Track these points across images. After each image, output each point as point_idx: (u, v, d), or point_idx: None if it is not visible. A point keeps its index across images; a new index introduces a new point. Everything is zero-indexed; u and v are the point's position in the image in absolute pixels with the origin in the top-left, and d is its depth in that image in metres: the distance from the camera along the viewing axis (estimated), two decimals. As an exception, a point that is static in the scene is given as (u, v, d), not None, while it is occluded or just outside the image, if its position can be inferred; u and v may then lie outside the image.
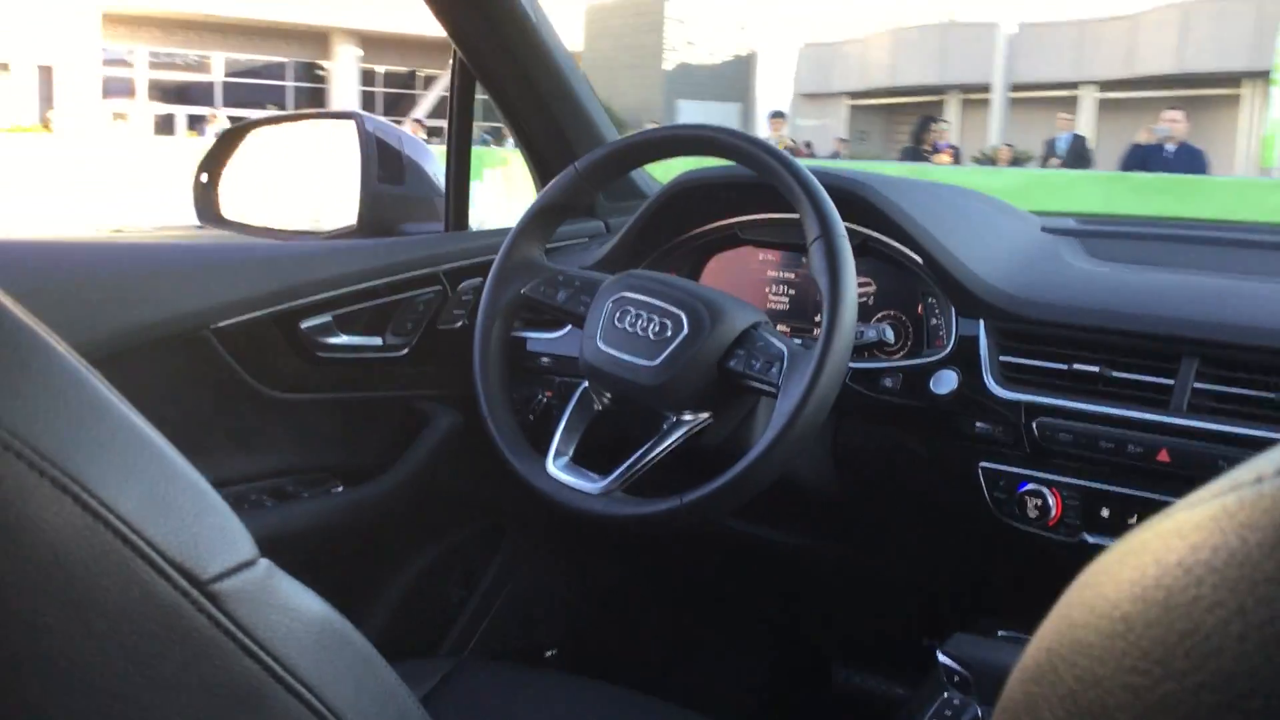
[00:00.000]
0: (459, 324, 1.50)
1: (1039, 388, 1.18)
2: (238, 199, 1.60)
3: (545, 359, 1.48)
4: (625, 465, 1.14)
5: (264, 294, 1.32)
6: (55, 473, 0.40)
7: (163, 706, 0.44)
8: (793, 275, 1.44)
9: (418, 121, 17.65)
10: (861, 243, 1.31)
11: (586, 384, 1.25)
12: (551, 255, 1.49)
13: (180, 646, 0.44)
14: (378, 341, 1.44)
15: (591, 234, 1.60)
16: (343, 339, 1.40)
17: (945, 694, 1.03)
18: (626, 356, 1.16)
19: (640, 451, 1.15)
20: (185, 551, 0.44)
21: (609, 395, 1.24)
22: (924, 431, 1.26)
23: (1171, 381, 1.11)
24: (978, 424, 1.20)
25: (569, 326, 1.46)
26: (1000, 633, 1.16)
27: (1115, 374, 1.14)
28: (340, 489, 1.42)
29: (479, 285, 1.49)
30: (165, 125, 20.41)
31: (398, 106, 23.26)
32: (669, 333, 1.14)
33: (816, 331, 1.40)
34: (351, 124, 1.55)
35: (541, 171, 1.57)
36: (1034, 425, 1.16)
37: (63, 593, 0.40)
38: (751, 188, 1.37)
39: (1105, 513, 1.13)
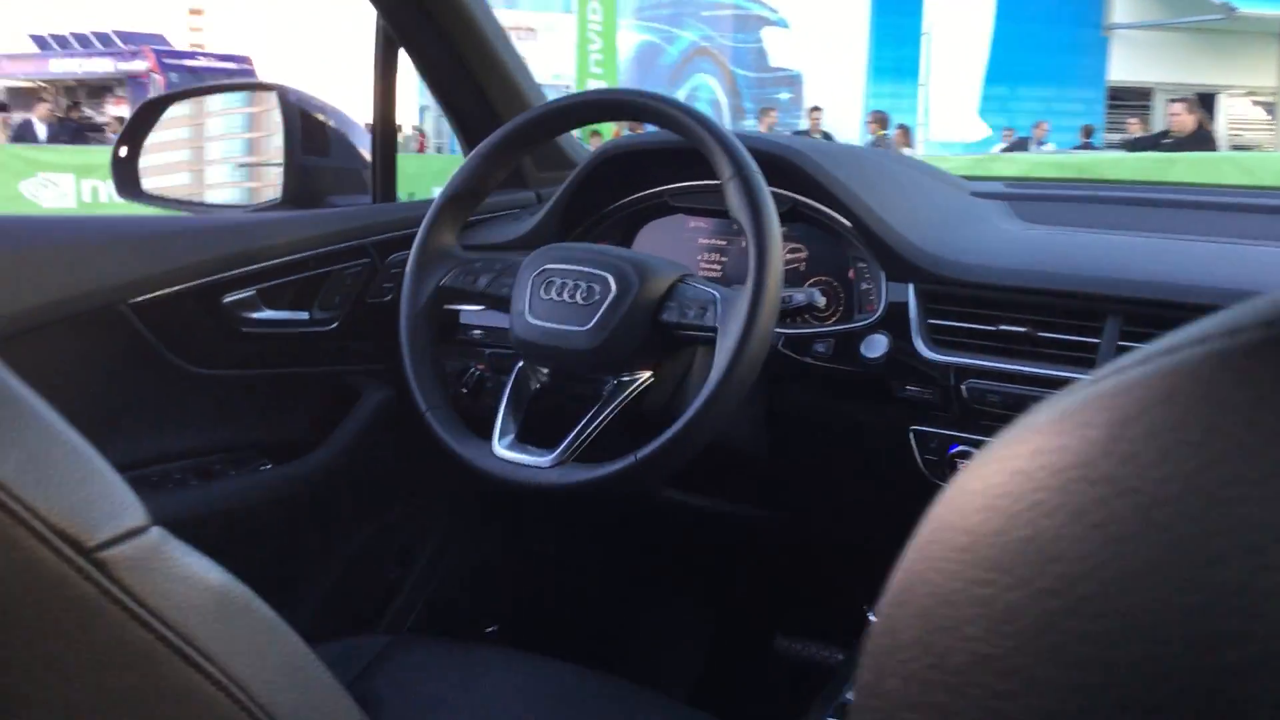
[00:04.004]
0: (388, 297, 1.47)
1: (968, 350, 1.18)
2: (160, 172, 1.57)
3: (477, 331, 1.46)
4: (573, 434, 1.13)
5: (184, 268, 1.29)
6: None
7: (51, 678, 0.42)
8: (724, 241, 1.43)
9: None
10: (791, 208, 1.30)
11: (522, 363, 1.23)
12: (480, 227, 1.48)
13: (67, 616, 0.43)
14: (304, 316, 1.41)
15: (522, 204, 1.58)
16: (267, 314, 1.37)
17: None
18: (558, 325, 1.14)
19: (586, 419, 1.14)
20: (69, 518, 0.43)
21: (546, 371, 1.22)
22: (856, 396, 1.26)
23: (1097, 340, 1.11)
24: (908, 387, 1.20)
25: None
26: None
27: (1042, 334, 1.14)
28: (268, 466, 1.40)
29: (408, 258, 1.47)
30: None
31: None
32: (597, 295, 1.13)
33: None
34: (274, 95, 1.51)
35: (469, 141, 1.54)
36: (963, 387, 1.17)
37: None
38: (677, 153, 1.36)
39: None
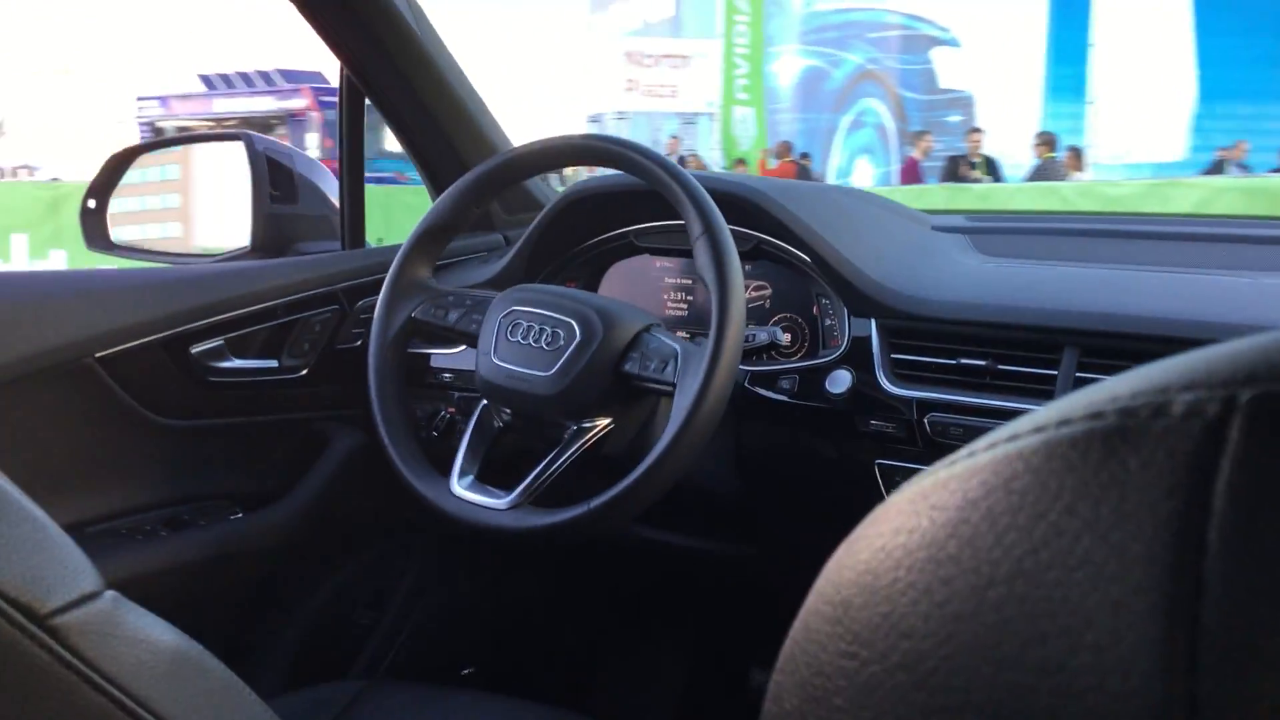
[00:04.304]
0: (358, 343, 1.48)
1: (930, 384, 1.19)
2: (129, 224, 1.58)
3: (447, 374, 1.47)
4: (530, 478, 1.14)
5: (152, 320, 1.29)
6: None
7: None
8: (690, 281, 1.45)
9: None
10: (754, 247, 1.32)
11: (485, 402, 1.24)
12: (448, 270, 1.49)
13: (22, 683, 0.43)
14: (273, 364, 1.41)
15: (490, 247, 1.59)
16: (235, 363, 1.37)
17: None
18: (522, 369, 1.15)
19: (545, 463, 1.14)
20: (21, 586, 0.43)
21: (509, 411, 1.23)
22: (822, 431, 1.27)
23: (1055, 372, 1.12)
24: (872, 422, 1.21)
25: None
26: None
27: (1001, 367, 1.15)
28: (239, 515, 1.40)
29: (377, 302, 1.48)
30: None
31: None
32: (562, 341, 1.14)
33: None
34: (241, 145, 1.53)
35: (435, 185, 1.56)
36: (926, 421, 1.17)
37: None
38: (643, 195, 1.37)
39: None
